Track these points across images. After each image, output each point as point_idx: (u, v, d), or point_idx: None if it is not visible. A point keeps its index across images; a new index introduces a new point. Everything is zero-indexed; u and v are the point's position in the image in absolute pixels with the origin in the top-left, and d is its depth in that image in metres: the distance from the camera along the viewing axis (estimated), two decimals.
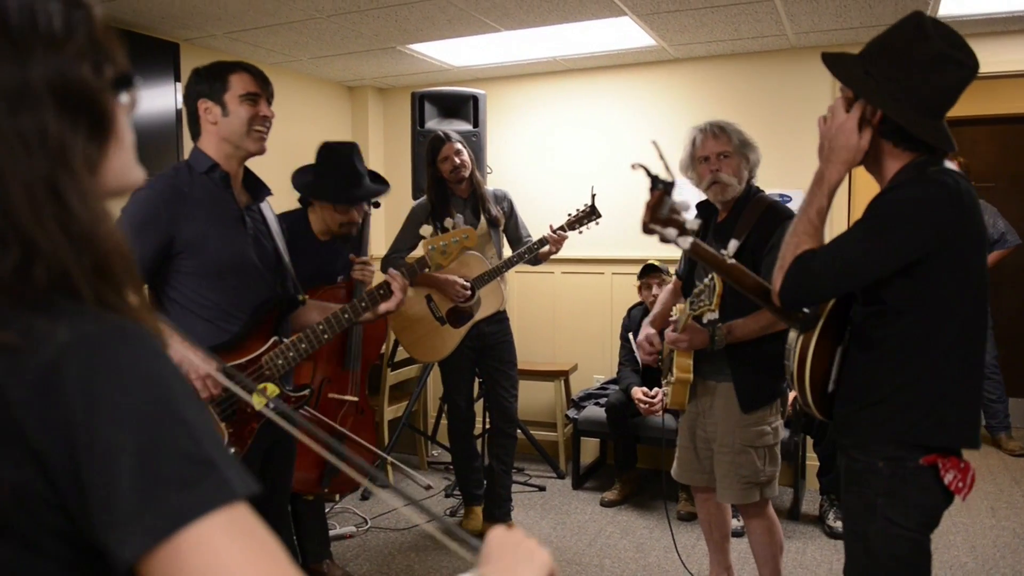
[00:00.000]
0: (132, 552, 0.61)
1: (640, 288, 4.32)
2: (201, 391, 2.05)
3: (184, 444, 0.65)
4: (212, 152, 2.22)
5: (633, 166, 1.76)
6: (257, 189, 2.35)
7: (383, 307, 2.43)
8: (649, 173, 1.73)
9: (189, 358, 2.00)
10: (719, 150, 2.65)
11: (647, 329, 2.88)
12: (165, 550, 0.61)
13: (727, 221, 2.69)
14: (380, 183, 3.16)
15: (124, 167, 0.75)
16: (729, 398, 2.67)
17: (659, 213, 1.74)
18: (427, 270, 2.61)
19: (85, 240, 0.67)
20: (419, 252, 2.56)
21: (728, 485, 2.71)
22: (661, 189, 1.72)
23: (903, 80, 1.72)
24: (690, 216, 1.73)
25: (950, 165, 1.94)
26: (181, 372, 0.69)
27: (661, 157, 1.78)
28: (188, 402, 0.67)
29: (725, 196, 2.68)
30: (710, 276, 2.60)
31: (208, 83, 2.19)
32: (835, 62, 1.85)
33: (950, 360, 1.75)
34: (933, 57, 1.70)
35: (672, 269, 4.31)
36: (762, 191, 2.75)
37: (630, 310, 4.50)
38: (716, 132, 2.67)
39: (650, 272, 4.25)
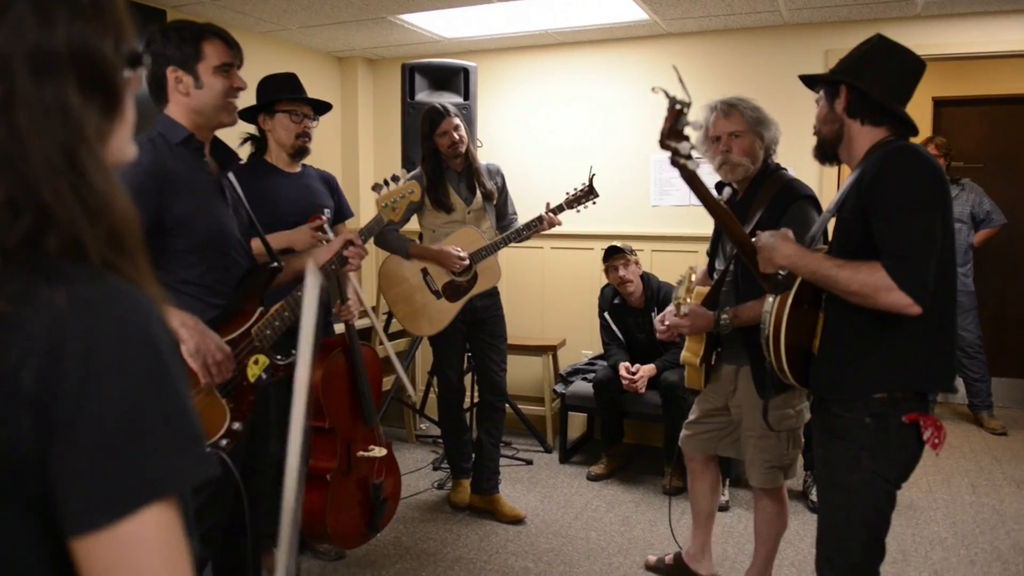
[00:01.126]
0: (109, 517, 0.62)
1: (606, 270, 4.30)
2: (216, 376, 2.02)
3: (176, 415, 0.66)
4: (183, 121, 2.09)
5: (654, 89, 1.84)
6: (226, 157, 2.24)
7: (348, 268, 2.48)
8: (667, 94, 1.81)
9: (206, 344, 1.98)
10: (730, 130, 2.60)
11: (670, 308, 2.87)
12: (114, 532, 0.63)
13: (744, 199, 2.65)
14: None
15: (123, 143, 0.76)
16: (750, 382, 2.65)
17: (675, 130, 1.82)
18: (384, 226, 2.69)
19: (99, 210, 0.68)
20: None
21: (754, 469, 2.72)
22: (679, 108, 1.80)
23: (869, 72, 1.96)
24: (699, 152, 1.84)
25: (928, 148, 2.10)
26: (173, 340, 0.69)
27: (680, 80, 1.86)
28: (179, 373, 0.68)
29: (735, 176, 2.64)
30: (688, 269, 2.63)
31: (179, 49, 2.03)
32: (805, 78, 2.17)
33: (929, 312, 1.84)
34: (891, 50, 1.98)
35: (643, 248, 4.34)
36: (783, 169, 2.70)
37: (602, 290, 4.50)
38: (726, 111, 2.62)
39: (615, 254, 4.24)
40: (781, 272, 2.06)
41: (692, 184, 1.96)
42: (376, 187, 2.63)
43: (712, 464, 2.99)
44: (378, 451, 3.02)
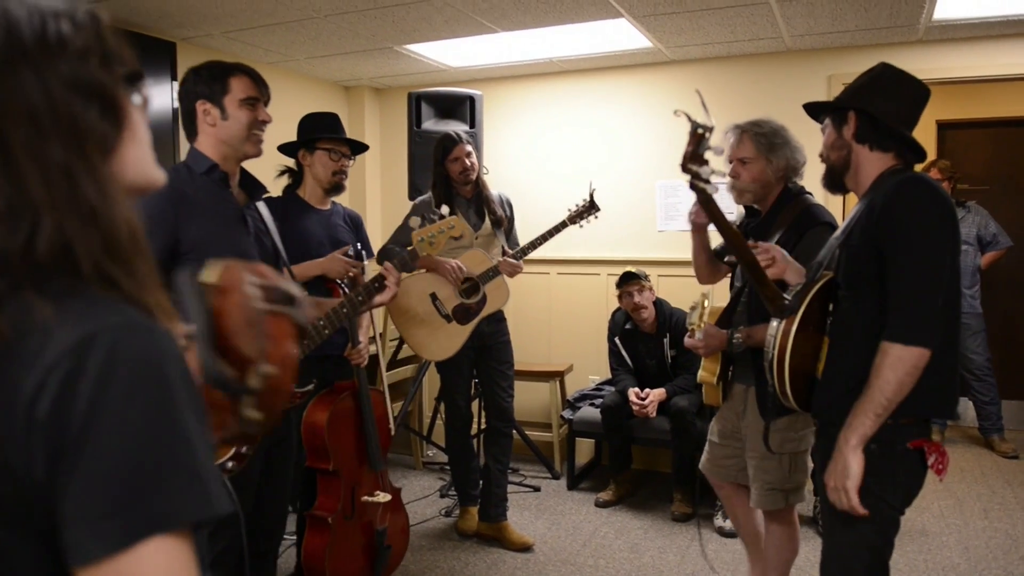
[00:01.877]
0: (106, 549, 0.63)
1: (620, 296, 4.29)
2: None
3: (180, 452, 0.67)
4: (210, 153, 2.21)
5: (676, 112, 1.86)
6: (253, 188, 2.35)
7: (378, 299, 2.51)
8: (690, 117, 1.81)
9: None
10: (739, 156, 2.63)
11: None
12: (113, 565, 0.63)
13: (763, 222, 2.67)
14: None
15: (141, 161, 0.77)
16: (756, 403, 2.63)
17: (697, 154, 1.82)
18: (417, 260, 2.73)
19: (93, 217, 0.69)
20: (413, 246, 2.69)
21: (755, 489, 2.70)
22: (700, 132, 1.80)
23: (878, 98, 1.98)
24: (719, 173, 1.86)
25: (931, 174, 2.08)
26: (186, 370, 0.70)
27: (703, 104, 1.87)
28: (189, 407, 0.68)
29: (743, 201, 2.68)
30: (701, 295, 2.63)
31: (208, 85, 2.19)
32: (810, 106, 2.16)
33: None
34: (897, 77, 2.00)
35: (650, 272, 4.34)
36: (807, 193, 2.69)
37: (614, 314, 4.50)
38: (738, 136, 2.64)
39: (629, 280, 4.23)
40: (787, 296, 2.06)
41: (708, 208, 1.96)
42: (414, 222, 2.68)
43: (744, 487, 2.93)
44: (383, 496, 3.00)
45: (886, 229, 1.86)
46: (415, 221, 2.69)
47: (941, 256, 1.85)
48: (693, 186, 1.87)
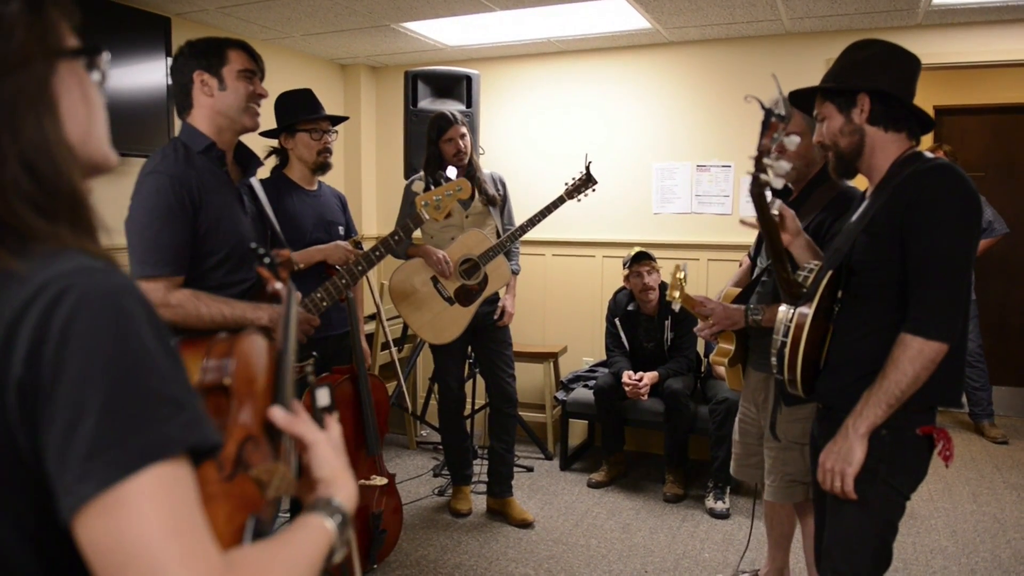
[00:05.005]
0: (95, 487, 0.61)
1: (629, 276, 4.26)
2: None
3: (153, 383, 0.65)
4: (205, 128, 2.19)
5: (747, 98, 1.75)
6: (248, 161, 2.34)
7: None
8: (763, 105, 1.69)
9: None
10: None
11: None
12: (104, 501, 0.61)
13: (796, 201, 2.57)
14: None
15: (91, 125, 0.76)
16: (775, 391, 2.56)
17: (771, 147, 1.73)
18: (422, 224, 2.82)
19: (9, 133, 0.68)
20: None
21: (771, 482, 2.63)
22: (776, 120, 1.68)
23: (885, 76, 1.89)
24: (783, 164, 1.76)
25: (937, 155, 2.00)
26: (147, 305, 0.69)
27: (780, 92, 1.76)
28: (155, 340, 0.67)
29: (787, 179, 2.54)
30: (675, 267, 2.59)
31: (205, 56, 2.17)
32: (801, 92, 2.05)
33: None
34: (894, 52, 1.92)
35: (658, 255, 4.32)
36: None
37: (615, 294, 4.49)
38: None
39: (642, 259, 4.20)
40: (804, 287, 2.01)
41: (758, 201, 1.87)
42: (418, 186, 2.70)
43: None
44: (379, 480, 2.99)
45: (916, 220, 1.80)
46: (419, 185, 2.69)
47: (968, 251, 1.81)
48: (755, 179, 1.75)
